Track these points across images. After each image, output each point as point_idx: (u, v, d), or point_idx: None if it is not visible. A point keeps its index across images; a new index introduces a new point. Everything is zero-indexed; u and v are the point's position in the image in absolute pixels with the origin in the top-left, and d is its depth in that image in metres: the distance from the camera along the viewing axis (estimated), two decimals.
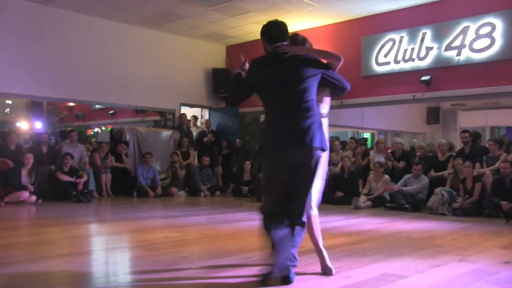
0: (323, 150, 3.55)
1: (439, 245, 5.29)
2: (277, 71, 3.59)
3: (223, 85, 13.57)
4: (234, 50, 13.71)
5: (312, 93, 3.59)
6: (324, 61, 3.78)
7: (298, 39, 3.96)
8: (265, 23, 3.87)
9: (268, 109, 3.66)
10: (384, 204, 9.28)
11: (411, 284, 3.54)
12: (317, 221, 3.77)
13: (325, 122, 3.80)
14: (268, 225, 3.49)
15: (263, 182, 3.87)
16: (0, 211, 8.20)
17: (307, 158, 3.46)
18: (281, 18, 11.95)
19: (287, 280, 3.36)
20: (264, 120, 3.78)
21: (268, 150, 3.57)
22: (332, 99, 4.00)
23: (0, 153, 10.03)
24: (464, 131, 9.90)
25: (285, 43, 3.75)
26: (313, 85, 3.61)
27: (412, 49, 10.36)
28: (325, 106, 3.92)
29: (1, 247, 5.00)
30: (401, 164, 10.20)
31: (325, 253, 3.75)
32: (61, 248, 5.07)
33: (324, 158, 3.74)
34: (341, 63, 3.82)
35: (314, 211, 3.75)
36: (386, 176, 9.61)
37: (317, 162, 3.51)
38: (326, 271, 3.70)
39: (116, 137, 12.20)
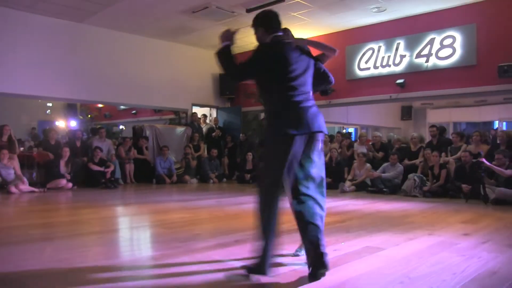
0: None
1: (412, 222, 5.32)
2: (291, 58, 3.06)
3: (228, 88, 13.57)
4: (238, 59, 13.66)
5: (310, 81, 3.16)
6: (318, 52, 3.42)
7: (290, 33, 3.42)
8: (260, 11, 3.32)
9: (275, 95, 3.07)
10: (366, 188, 9.29)
11: (388, 255, 3.56)
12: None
13: None
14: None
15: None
16: (43, 195, 8.29)
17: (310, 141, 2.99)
18: None
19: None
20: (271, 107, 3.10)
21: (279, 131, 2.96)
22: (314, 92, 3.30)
23: (43, 147, 10.14)
24: (432, 126, 9.93)
25: (281, 33, 3.23)
26: (312, 75, 3.18)
27: (389, 57, 10.36)
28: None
29: (46, 225, 5.08)
30: (380, 154, 10.22)
31: None
32: (93, 226, 5.11)
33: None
34: (335, 54, 3.47)
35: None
36: (368, 165, 9.62)
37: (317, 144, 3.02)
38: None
39: (138, 133, 12.22)
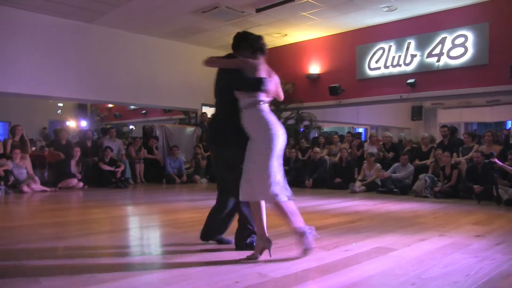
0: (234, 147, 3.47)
1: (422, 222, 5.27)
2: (215, 82, 3.77)
3: None
4: None
5: (229, 98, 3.49)
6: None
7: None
8: None
9: None
10: (376, 189, 9.24)
11: (400, 255, 3.53)
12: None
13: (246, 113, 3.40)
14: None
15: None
16: (54, 195, 8.36)
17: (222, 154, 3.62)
18: (286, 30, 11.91)
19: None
20: None
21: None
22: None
23: (54, 147, 10.21)
24: (444, 126, 9.86)
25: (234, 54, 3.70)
26: (228, 91, 3.51)
27: (399, 56, 10.31)
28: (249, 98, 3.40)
29: (57, 224, 5.11)
30: (391, 154, 10.16)
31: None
32: (104, 226, 5.13)
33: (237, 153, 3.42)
34: (250, 65, 3.44)
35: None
36: (378, 165, 9.57)
37: (230, 156, 3.51)
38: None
39: (147, 133, 12.26)
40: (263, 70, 3.46)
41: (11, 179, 8.60)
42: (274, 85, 3.51)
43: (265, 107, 3.40)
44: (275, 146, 3.29)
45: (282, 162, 3.41)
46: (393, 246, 3.85)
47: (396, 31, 10.45)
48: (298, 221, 3.37)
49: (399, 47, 10.34)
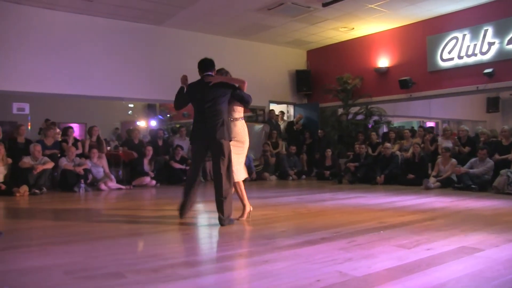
0: (225, 140, 4.77)
1: (509, 221, 4.94)
2: (198, 92, 4.93)
3: (305, 84, 13.48)
4: (314, 54, 13.55)
5: (220, 105, 4.82)
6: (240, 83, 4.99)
7: (222, 72, 5.23)
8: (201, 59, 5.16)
9: (194, 114, 5.01)
10: (452, 185, 8.81)
11: (488, 256, 3.31)
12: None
13: (239, 123, 5.12)
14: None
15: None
16: (129, 192, 8.66)
17: (213, 145, 4.79)
18: (353, 24, 11.70)
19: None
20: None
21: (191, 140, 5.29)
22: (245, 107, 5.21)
23: (127, 146, 10.55)
24: None
25: (210, 73, 5.01)
26: (222, 100, 4.83)
27: (475, 45, 9.81)
28: (238, 112, 5.10)
29: (134, 220, 5.26)
30: (467, 149, 9.67)
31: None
32: (177, 223, 5.21)
33: (228, 144, 4.83)
34: (245, 84, 5.01)
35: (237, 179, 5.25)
36: (453, 160, 9.14)
37: (221, 147, 4.73)
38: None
39: None
40: None
41: (90, 177, 9.00)
42: None
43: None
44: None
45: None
46: (479, 246, 3.63)
47: (470, 19, 9.94)
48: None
49: (474, 36, 9.82)
